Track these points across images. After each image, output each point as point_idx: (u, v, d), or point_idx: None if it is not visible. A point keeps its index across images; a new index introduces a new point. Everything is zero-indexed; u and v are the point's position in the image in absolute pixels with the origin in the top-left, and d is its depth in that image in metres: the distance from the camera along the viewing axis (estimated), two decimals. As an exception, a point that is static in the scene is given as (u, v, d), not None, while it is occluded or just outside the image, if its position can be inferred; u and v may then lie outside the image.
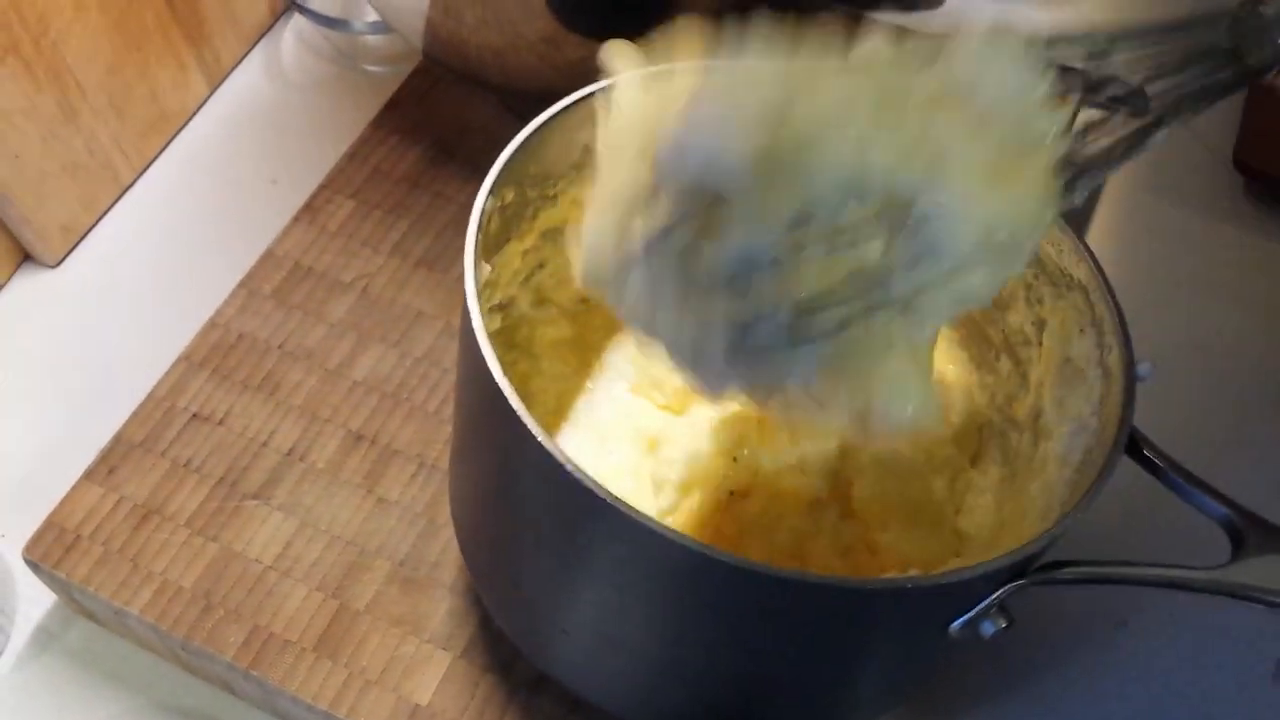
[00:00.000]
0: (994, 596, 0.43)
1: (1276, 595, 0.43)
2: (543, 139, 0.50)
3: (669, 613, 0.46)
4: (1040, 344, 0.54)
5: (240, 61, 0.82)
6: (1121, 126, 0.38)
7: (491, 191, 0.48)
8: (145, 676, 0.60)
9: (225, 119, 0.80)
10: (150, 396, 0.63)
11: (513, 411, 0.41)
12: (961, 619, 0.44)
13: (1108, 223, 0.75)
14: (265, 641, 0.56)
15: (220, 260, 0.71)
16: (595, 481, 0.39)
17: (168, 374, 0.64)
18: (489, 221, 0.48)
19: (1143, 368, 0.47)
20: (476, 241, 0.46)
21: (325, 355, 0.65)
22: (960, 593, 0.43)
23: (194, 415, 0.63)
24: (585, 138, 0.53)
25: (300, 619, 0.57)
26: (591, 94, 0.50)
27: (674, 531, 0.39)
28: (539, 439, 0.40)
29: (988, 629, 0.43)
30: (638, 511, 0.39)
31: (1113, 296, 0.48)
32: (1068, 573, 0.44)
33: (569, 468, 0.40)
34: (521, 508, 0.47)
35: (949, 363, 0.58)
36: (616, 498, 0.39)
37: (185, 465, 0.61)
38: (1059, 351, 0.52)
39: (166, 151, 0.78)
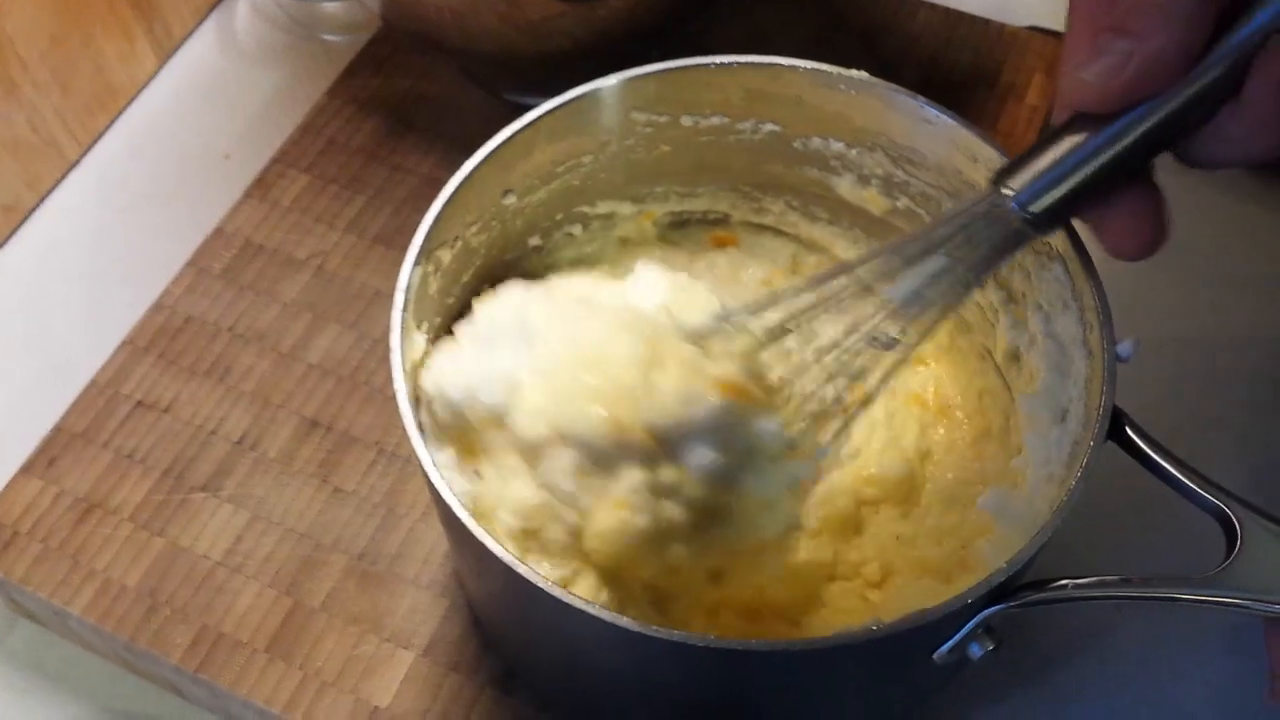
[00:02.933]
0: (973, 623, 0.42)
1: (1265, 600, 0.41)
2: (468, 191, 0.49)
3: (659, 692, 0.48)
4: (1028, 321, 0.52)
5: (192, 32, 0.80)
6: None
7: (417, 262, 0.47)
8: (91, 680, 0.59)
9: (176, 92, 0.77)
10: (92, 384, 0.61)
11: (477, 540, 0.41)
12: (945, 646, 0.43)
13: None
14: (214, 643, 0.54)
15: (171, 240, 0.68)
16: (573, 597, 0.40)
17: (110, 360, 0.62)
18: (428, 281, 0.49)
19: (1124, 346, 0.45)
20: (402, 322, 0.46)
21: (278, 337, 0.63)
22: (931, 629, 0.42)
23: (138, 403, 0.61)
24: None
25: (252, 618, 0.55)
26: (505, 141, 0.50)
27: (637, 622, 0.40)
28: (511, 565, 0.40)
29: (975, 651, 0.43)
30: (619, 618, 0.40)
31: (1091, 268, 0.46)
32: (1048, 594, 0.42)
33: (545, 587, 0.40)
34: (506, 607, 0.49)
35: (951, 364, 0.57)
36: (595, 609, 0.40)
37: (129, 456, 0.59)
38: (1045, 329, 0.50)
39: (114, 127, 0.76)
